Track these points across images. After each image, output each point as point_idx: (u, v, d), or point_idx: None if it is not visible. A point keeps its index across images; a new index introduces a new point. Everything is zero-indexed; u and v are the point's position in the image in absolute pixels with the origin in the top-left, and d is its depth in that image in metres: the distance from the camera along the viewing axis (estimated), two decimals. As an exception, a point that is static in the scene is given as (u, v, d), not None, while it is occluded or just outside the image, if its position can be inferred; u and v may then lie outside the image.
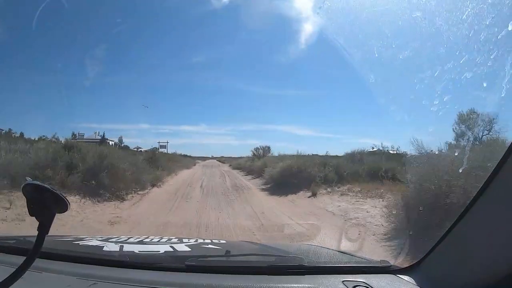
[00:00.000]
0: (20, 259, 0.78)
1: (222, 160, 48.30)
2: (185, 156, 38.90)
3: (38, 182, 0.76)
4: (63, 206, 0.78)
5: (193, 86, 39.28)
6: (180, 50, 33.60)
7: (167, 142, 34.98)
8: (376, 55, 3.85)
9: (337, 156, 17.98)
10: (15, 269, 0.76)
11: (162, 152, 33.32)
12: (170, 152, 33.99)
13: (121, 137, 32.15)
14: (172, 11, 26.26)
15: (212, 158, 50.78)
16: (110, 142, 28.76)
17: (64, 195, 0.78)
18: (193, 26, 27.66)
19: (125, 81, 30.09)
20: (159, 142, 34.59)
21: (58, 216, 0.78)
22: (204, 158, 47.04)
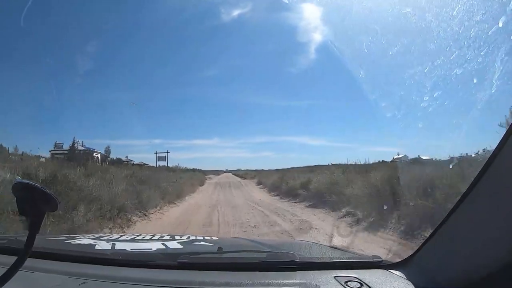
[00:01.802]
0: (11, 259, 0.77)
1: (240, 174, 41.58)
2: (194, 170, 33.81)
3: (27, 181, 0.75)
4: (53, 205, 0.77)
5: (205, 100, 39.63)
6: (191, 66, 34.29)
7: (168, 153, 30.00)
8: (366, 51, 3.86)
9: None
10: (6, 269, 0.75)
11: (161, 166, 27.63)
12: (171, 166, 28.81)
13: (108, 147, 27.55)
14: (181, 27, 26.64)
15: (227, 171, 47.76)
16: (95, 155, 24.48)
17: (54, 194, 0.77)
18: (203, 41, 28.35)
19: (137, 98, 30.25)
20: (156, 153, 29.63)
21: None
22: (217, 172, 43.18)
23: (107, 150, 27.52)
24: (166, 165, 29.05)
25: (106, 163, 22.14)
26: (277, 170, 29.45)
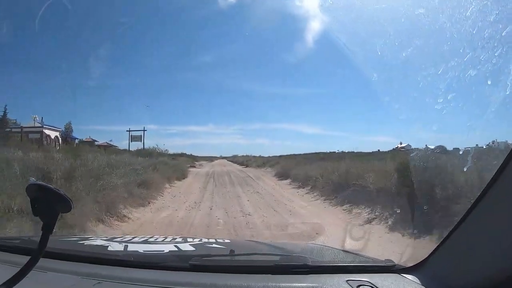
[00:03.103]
0: (25, 259, 0.78)
1: (238, 160, 34.87)
2: (182, 155, 27.46)
3: (41, 182, 0.77)
4: (66, 206, 0.78)
5: (200, 86, 39.06)
6: (186, 51, 33.76)
7: (144, 130, 22.92)
8: (379, 53, 3.84)
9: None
10: (20, 268, 0.77)
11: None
12: (151, 147, 21.48)
13: (69, 124, 22.56)
14: (177, 11, 26.37)
15: (221, 157, 46.43)
16: (51, 134, 20.34)
17: (67, 195, 0.78)
18: (199, 27, 28.02)
19: (131, 83, 29.94)
20: (129, 131, 22.87)
21: None
22: (211, 159, 41.37)
23: (68, 128, 22.98)
24: (143, 146, 22.55)
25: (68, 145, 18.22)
26: (280, 156, 25.80)
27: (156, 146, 21.91)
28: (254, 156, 32.57)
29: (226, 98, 44.40)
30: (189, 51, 34.82)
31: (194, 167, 24.45)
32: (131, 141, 23.10)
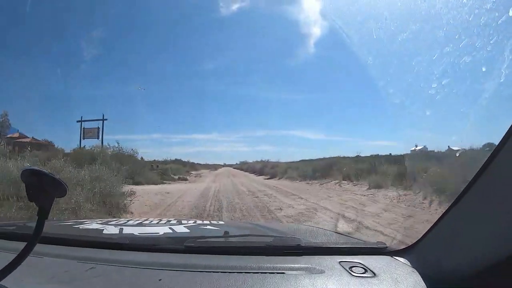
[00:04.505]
0: (21, 245, 0.79)
1: (252, 168, 27.54)
2: (174, 162, 22.88)
3: (35, 167, 0.76)
4: (61, 190, 0.78)
5: (204, 95, 39.39)
6: (190, 59, 33.88)
7: (104, 120, 17.30)
8: (375, 37, 3.81)
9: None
10: (16, 255, 0.77)
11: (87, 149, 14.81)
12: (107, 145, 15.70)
13: (6, 115, 19.28)
14: (181, 20, 26.10)
15: (225, 165, 45.60)
16: None
17: (62, 180, 0.78)
18: (203, 35, 27.87)
19: (137, 92, 29.59)
20: (80, 121, 17.16)
21: None
22: (215, 166, 40.84)
23: (4, 120, 19.44)
24: (101, 145, 16.46)
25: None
26: (300, 161, 21.29)
27: (117, 145, 16.11)
28: (277, 162, 24.47)
29: (230, 106, 44.66)
30: (193, 61, 35.16)
31: (185, 179, 17.62)
32: (84, 137, 17.39)
